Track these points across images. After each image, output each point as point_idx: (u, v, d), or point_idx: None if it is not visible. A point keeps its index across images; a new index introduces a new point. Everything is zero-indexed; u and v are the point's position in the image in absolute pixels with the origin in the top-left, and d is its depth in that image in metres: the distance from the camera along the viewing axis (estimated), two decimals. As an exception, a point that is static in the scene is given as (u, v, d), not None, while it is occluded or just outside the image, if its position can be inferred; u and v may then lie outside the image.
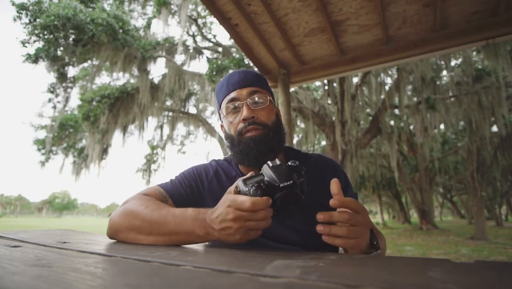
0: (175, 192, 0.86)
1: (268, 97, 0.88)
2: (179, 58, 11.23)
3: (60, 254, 0.51)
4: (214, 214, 0.63)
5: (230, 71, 8.00)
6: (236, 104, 0.86)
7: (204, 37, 11.11)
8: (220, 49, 10.71)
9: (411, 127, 12.66)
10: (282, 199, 0.60)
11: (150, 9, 10.47)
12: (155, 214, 0.70)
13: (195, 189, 0.89)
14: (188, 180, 0.90)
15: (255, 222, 0.59)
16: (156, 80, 9.94)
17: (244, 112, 0.83)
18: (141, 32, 9.77)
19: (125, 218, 0.73)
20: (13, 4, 7.07)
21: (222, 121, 0.94)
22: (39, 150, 11.38)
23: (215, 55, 10.85)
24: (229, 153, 0.92)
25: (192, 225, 0.65)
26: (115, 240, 0.75)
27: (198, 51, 10.99)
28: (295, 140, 11.21)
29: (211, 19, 10.75)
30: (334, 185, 0.63)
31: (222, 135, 0.96)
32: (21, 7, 7.12)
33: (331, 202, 0.61)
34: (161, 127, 12.05)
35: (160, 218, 0.68)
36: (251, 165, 0.85)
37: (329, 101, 9.25)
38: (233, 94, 0.87)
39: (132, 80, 10.15)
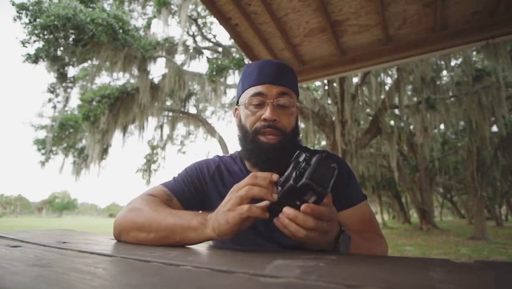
0: (179, 190, 0.86)
1: (294, 101, 0.84)
2: (179, 58, 11.24)
3: (60, 254, 0.51)
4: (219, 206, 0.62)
5: (230, 71, 8.02)
6: (262, 100, 0.81)
7: (204, 37, 11.11)
8: (220, 49, 10.71)
9: (411, 127, 12.66)
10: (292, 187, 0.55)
11: (150, 9, 10.47)
12: (158, 213, 0.69)
13: (198, 185, 0.89)
14: (191, 177, 0.90)
15: (259, 188, 0.56)
16: (156, 80, 9.95)
17: (268, 113, 0.79)
18: (141, 32, 9.77)
19: (129, 218, 0.73)
20: (13, 4, 7.08)
21: (238, 106, 0.90)
22: (39, 150, 11.39)
23: (215, 55, 10.86)
24: (239, 143, 0.89)
25: (189, 219, 0.64)
26: (117, 240, 0.75)
27: (198, 51, 10.99)
28: (295, 140, 11.17)
29: (211, 19, 10.75)
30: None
31: (235, 120, 0.92)
32: (21, 7, 7.12)
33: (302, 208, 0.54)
34: (161, 127, 12.06)
35: (160, 216, 0.68)
36: (257, 167, 0.84)
37: (329, 101, 9.25)
38: (261, 88, 0.82)
39: (132, 80, 10.16)
